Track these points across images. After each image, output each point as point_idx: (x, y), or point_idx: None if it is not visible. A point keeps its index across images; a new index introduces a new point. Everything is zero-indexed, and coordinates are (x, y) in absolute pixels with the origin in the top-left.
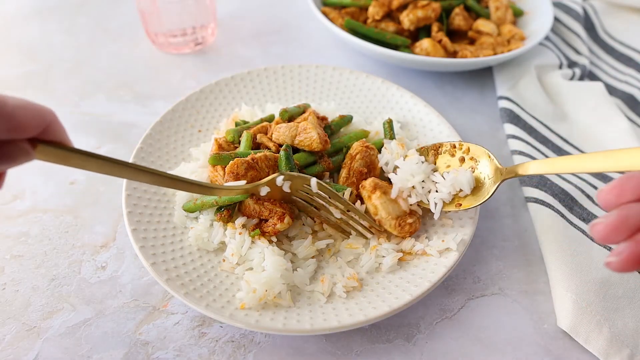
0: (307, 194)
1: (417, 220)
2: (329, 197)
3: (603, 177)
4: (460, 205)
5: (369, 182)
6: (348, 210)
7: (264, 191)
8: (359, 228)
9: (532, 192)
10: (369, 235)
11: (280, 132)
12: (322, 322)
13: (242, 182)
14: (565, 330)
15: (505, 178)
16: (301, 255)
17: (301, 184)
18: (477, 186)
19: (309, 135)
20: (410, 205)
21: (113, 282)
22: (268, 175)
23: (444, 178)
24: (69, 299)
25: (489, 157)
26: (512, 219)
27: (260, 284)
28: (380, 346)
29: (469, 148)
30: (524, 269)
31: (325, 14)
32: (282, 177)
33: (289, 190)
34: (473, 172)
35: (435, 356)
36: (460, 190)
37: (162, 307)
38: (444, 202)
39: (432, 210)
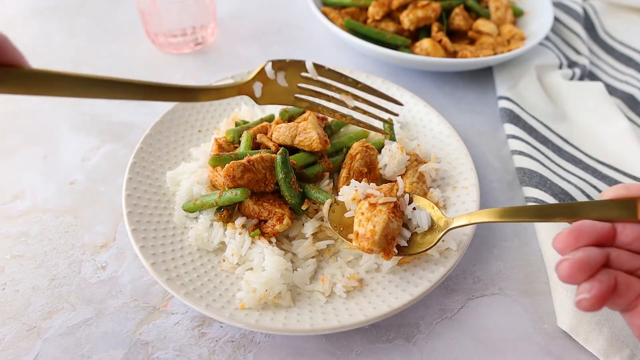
0: (311, 88)
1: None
2: (336, 82)
3: (603, 177)
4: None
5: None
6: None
7: (257, 88)
8: (374, 120)
9: (532, 192)
10: (379, 125)
11: (281, 132)
12: (322, 322)
13: (230, 82)
14: (565, 330)
15: (450, 229)
16: (301, 255)
17: (297, 72)
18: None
19: (308, 136)
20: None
21: (113, 282)
22: (265, 177)
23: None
24: (69, 299)
25: (433, 207)
26: None
27: (260, 283)
28: (380, 346)
29: (412, 198)
30: (524, 269)
31: (325, 14)
32: (270, 64)
33: (286, 84)
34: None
35: (435, 356)
36: (417, 226)
37: (162, 307)
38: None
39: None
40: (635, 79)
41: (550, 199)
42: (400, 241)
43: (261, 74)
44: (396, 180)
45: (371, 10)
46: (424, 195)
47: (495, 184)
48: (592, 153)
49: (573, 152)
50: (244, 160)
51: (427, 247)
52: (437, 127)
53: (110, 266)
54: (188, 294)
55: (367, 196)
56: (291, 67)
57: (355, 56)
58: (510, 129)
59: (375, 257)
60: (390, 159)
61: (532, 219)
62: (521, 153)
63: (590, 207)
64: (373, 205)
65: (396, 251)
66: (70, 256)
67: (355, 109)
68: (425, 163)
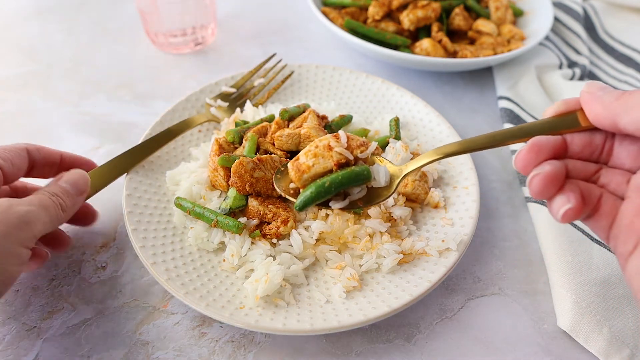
0: None
1: None
2: None
3: None
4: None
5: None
6: None
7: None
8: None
9: None
10: None
11: (284, 141)
12: (322, 322)
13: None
14: (565, 330)
15: (405, 174)
16: (299, 254)
17: None
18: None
19: None
20: None
21: (113, 282)
22: (272, 177)
23: None
24: (69, 299)
25: (382, 161)
26: (512, 219)
27: (263, 289)
28: (380, 346)
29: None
30: (524, 269)
31: (325, 14)
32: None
33: None
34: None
35: (435, 356)
36: (374, 179)
37: (162, 307)
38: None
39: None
40: (635, 79)
41: None
42: (350, 197)
43: None
44: (370, 143)
45: (371, 10)
46: (425, 194)
47: (495, 184)
48: None
49: None
50: (254, 158)
51: (384, 198)
52: (437, 127)
53: (110, 266)
54: (188, 294)
55: (335, 136)
56: None
57: (355, 56)
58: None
59: (375, 256)
60: (394, 156)
61: (486, 146)
62: None
63: (539, 126)
64: (329, 148)
65: (347, 202)
66: (70, 256)
67: None
68: None
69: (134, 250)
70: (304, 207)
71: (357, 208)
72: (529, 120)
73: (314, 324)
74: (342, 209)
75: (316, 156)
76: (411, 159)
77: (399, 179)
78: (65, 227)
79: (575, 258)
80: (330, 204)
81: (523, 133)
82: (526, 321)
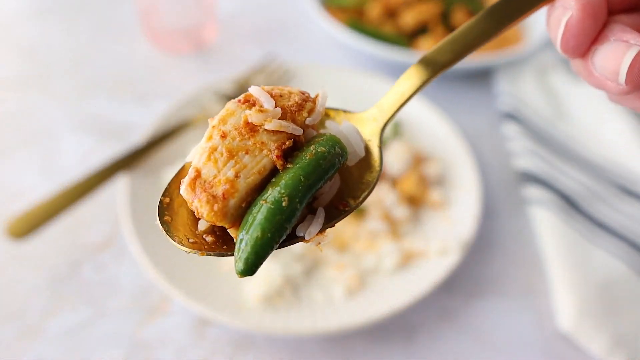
0: None
1: None
2: None
3: (604, 177)
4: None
5: None
6: None
7: None
8: None
9: (532, 192)
10: None
11: None
12: (322, 323)
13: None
14: (566, 331)
15: (384, 124)
16: (301, 255)
17: None
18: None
19: None
20: None
21: (113, 282)
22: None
23: None
24: (69, 299)
25: (331, 114)
26: (512, 219)
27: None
28: (381, 346)
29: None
30: (524, 269)
31: (325, 13)
32: None
33: None
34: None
35: (435, 356)
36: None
37: (162, 307)
38: None
39: None
40: None
41: (551, 200)
42: (319, 200)
43: None
44: (315, 95)
45: (371, 10)
46: (425, 194)
47: (495, 184)
48: (593, 152)
49: (573, 151)
50: None
51: (375, 180)
52: (437, 126)
53: (110, 266)
54: (188, 294)
55: (245, 100)
56: None
57: (355, 56)
58: (510, 129)
59: (376, 256)
60: (395, 157)
61: (490, 33)
62: (521, 153)
63: None
64: (251, 129)
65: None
66: (70, 256)
67: None
68: (426, 163)
69: (134, 250)
70: (257, 265)
71: (343, 214)
72: (530, 120)
73: (315, 325)
74: (322, 231)
75: (232, 154)
76: (412, 158)
77: (379, 137)
78: (65, 227)
79: (576, 259)
80: (299, 231)
81: None
82: (526, 322)
